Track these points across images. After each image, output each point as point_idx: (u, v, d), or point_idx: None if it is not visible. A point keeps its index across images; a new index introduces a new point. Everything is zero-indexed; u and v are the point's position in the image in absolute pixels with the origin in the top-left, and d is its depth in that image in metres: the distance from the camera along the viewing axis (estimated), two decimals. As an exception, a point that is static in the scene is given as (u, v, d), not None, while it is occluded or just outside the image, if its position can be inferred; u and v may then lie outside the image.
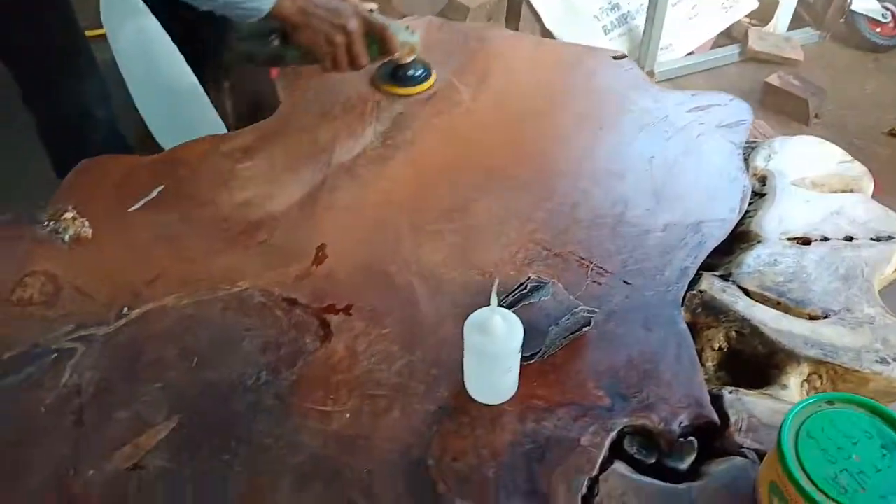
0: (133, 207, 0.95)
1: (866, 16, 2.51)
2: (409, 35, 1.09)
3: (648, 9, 2.12)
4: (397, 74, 1.14)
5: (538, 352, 0.73)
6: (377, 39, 1.05)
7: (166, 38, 1.29)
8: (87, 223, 0.92)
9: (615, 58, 1.20)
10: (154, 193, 0.97)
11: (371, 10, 1.06)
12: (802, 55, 2.47)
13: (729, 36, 2.57)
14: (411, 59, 1.12)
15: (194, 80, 1.30)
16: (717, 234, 0.91)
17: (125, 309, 0.83)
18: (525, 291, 0.80)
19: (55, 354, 0.78)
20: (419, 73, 1.15)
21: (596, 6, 2.20)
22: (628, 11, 2.24)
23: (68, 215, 0.93)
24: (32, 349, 0.79)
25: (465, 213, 0.94)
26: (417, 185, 0.98)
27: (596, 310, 0.78)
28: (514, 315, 0.69)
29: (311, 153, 1.03)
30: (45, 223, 0.93)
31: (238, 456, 0.69)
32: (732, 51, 2.46)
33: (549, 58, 1.22)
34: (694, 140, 1.04)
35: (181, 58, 1.30)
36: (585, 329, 0.77)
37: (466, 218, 0.94)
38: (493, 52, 1.21)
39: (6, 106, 1.44)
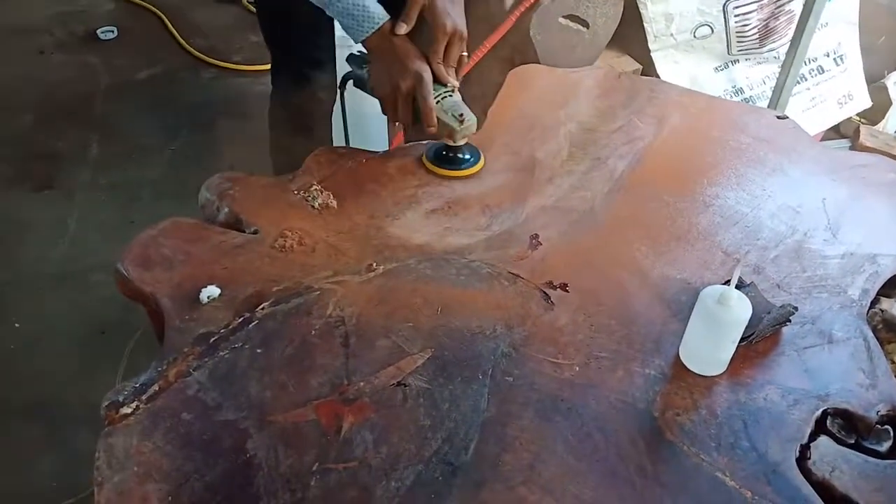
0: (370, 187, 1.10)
1: (976, 127, 2.60)
2: (455, 120, 1.09)
3: (773, 95, 2.27)
4: (441, 154, 1.15)
5: (752, 335, 0.83)
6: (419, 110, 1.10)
7: None
8: (332, 195, 1.08)
9: (779, 117, 1.33)
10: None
11: (448, 88, 1.11)
12: (911, 156, 2.56)
13: (836, 131, 2.69)
14: (458, 143, 1.12)
15: None
16: (892, 266, 1.00)
17: (373, 264, 0.96)
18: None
19: (318, 292, 0.92)
20: (465, 156, 1.15)
21: (720, 88, 2.36)
22: (751, 96, 2.40)
23: (315, 187, 1.09)
24: (298, 286, 0.93)
25: (663, 222, 1.06)
26: (618, 196, 1.11)
27: (797, 307, 0.88)
28: (744, 296, 0.79)
29: (515, 161, 1.18)
30: (295, 192, 1.09)
31: (486, 386, 0.80)
32: (844, 144, 2.57)
33: (718, 111, 1.36)
34: (860, 189, 1.15)
35: None
36: (787, 323, 0.87)
37: (664, 226, 1.05)
38: (668, 101, 1.35)
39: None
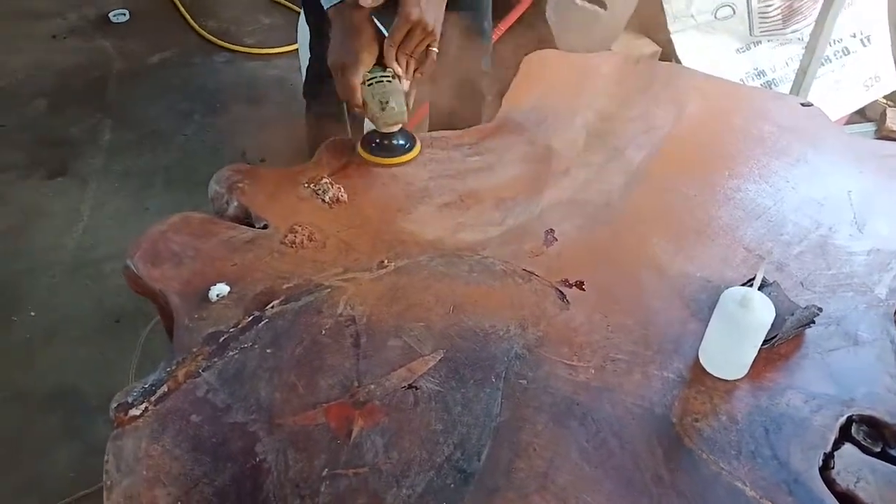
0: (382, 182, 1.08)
1: None
2: (378, 106, 1.06)
3: (796, 78, 2.21)
4: (375, 142, 1.12)
5: (774, 338, 0.81)
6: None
7: None
8: (342, 189, 1.06)
9: (803, 104, 1.29)
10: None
11: (388, 73, 1.07)
12: (939, 139, 2.50)
13: (862, 114, 2.62)
14: (382, 130, 1.10)
15: None
16: (922, 264, 0.97)
17: (385, 261, 0.94)
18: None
19: (329, 289, 0.90)
20: (398, 143, 1.12)
21: (742, 70, 2.30)
22: (773, 79, 2.34)
23: (325, 181, 1.07)
24: (308, 283, 0.91)
25: (682, 216, 1.03)
26: (636, 188, 1.08)
27: (821, 308, 0.85)
28: (767, 298, 0.77)
29: (530, 152, 1.15)
30: (306, 185, 1.07)
31: (500, 389, 0.79)
32: (869, 128, 2.51)
33: (739, 98, 1.32)
34: (888, 180, 1.11)
35: None
36: (811, 325, 0.84)
37: (683, 220, 1.02)
38: (688, 87, 1.31)
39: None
